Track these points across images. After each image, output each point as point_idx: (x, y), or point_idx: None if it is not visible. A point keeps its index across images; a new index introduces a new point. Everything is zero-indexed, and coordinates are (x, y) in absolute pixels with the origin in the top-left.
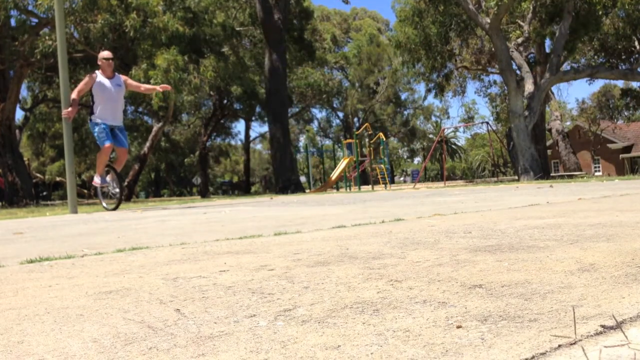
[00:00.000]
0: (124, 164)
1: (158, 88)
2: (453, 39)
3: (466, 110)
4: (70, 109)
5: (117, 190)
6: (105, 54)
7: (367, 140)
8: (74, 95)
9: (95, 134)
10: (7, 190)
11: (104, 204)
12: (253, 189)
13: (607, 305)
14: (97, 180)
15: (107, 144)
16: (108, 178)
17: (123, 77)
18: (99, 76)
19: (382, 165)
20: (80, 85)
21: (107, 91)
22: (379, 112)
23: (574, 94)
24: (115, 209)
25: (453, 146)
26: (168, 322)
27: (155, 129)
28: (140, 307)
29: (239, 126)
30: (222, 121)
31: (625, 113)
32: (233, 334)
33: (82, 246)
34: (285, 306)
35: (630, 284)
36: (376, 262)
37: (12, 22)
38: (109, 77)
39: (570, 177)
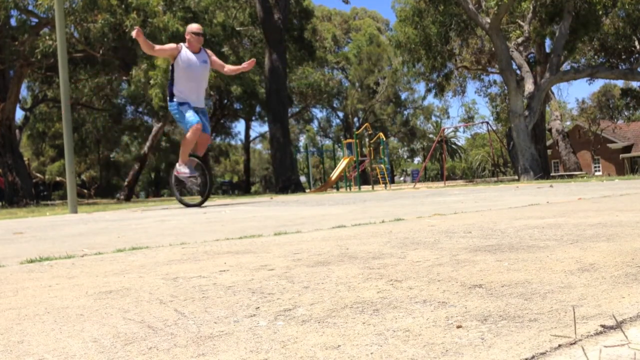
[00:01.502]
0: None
1: (245, 65)
2: (453, 38)
3: (466, 110)
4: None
5: (203, 181)
6: (194, 27)
7: (367, 140)
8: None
9: (178, 116)
10: (7, 190)
11: (184, 200)
12: (253, 188)
13: (607, 305)
14: (183, 170)
15: (196, 123)
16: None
17: (209, 52)
18: (184, 49)
19: (382, 165)
20: (162, 46)
21: (192, 67)
22: (379, 112)
23: (574, 94)
24: (201, 204)
25: (453, 146)
26: (168, 322)
27: (155, 128)
28: (140, 307)
29: (239, 126)
30: (222, 121)
31: (625, 113)
32: (233, 333)
33: (82, 246)
34: (285, 306)
35: (630, 284)
36: (376, 262)
37: (12, 22)
38: (195, 52)
39: (570, 177)
